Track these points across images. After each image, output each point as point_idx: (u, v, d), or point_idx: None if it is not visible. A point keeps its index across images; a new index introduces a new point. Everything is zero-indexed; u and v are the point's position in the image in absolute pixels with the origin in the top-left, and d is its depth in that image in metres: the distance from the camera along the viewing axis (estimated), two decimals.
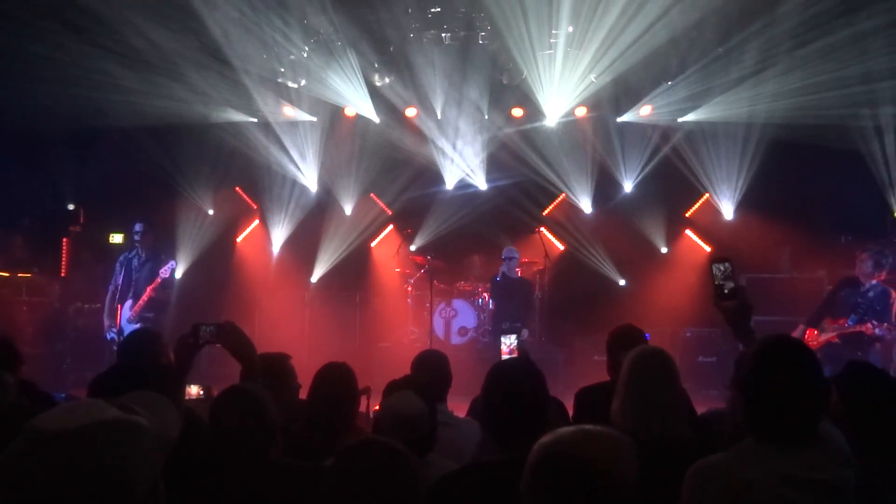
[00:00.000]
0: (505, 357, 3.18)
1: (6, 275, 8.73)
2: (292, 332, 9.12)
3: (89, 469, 1.19)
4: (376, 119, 10.01)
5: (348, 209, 10.55)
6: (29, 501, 1.16)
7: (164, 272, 7.09)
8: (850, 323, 6.16)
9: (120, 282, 7.16)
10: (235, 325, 2.82)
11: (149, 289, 7.08)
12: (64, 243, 9.24)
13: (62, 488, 1.17)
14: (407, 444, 1.84)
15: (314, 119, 10.00)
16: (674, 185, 9.69)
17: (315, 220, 10.43)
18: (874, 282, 6.25)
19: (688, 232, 10.17)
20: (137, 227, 7.29)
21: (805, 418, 1.83)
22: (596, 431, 1.45)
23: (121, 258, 7.36)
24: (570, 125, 9.88)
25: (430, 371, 3.39)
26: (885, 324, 6.03)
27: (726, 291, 2.40)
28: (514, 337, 3.27)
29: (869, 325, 6.03)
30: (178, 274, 8.29)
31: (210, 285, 9.85)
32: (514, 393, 2.21)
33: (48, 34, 7.37)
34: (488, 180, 10.44)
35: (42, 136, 8.52)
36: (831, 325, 6.23)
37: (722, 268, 2.41)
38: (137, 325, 7.05)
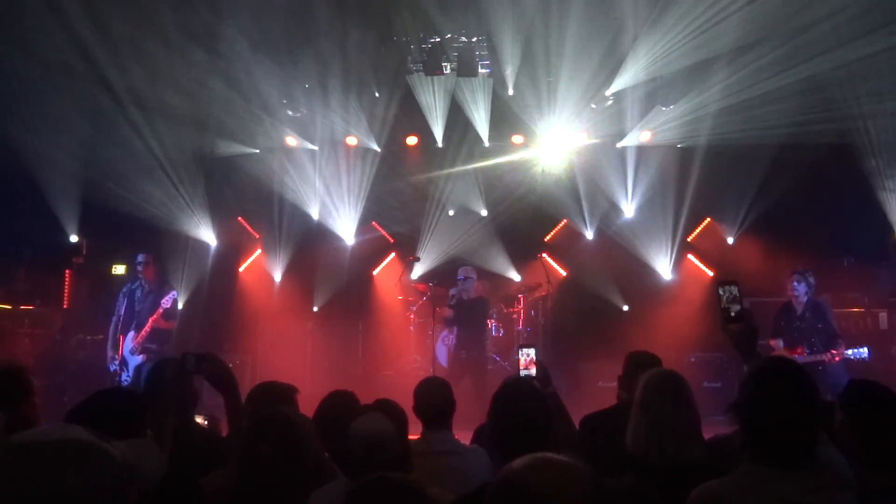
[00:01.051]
0: (522, 371, 3.17)
1: (8, 307, 8.73)
2: (295, 361, 9.09)
3: (53, 483, 1.23)
4: (377, 148, 10.08)
5: (350, 237, 10.58)
6: None
7: (165, 302, 7.07)
8: (808, 352, 6.50)
9: (122, 313, 7.15)
10: (214, 355, 2.80)
11: (151, 319, 7.06)
12: (66, 275, 9.25)
13: (26, 499, 1.22)
14: (380, 465, 1.82)
15: (315, 148, 10.07)
16: (675, 209, 9.71)
17: (317, 249, 10.45)
18: (805, 299, 6.68)
19: (690, 256, 10.18)
20: (140, 257, 7.29)
21: (802, 440, 1.83)
22: (549, 460, 1.43)
23: (124, 289, 7.35)
24: (569, 151, 9.94)
25: (433, 399, 3.36)
26: (840, 349, 6.40)
27: (733, 314, 2.40)
28: (532, 350, 3.25)
29: (827, 355, 6.40)
30: (181, 304, 8.27)
31: (212, 315, 9.83)
32: (517, 414, 2.20)
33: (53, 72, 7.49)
34: (489, 207, 10.48)
35: (45, 170, 8.57)
36: (790, 354, 6.41)
37: (728, 291, 2.41)
38: (140, 357, 7.03)
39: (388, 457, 2.34)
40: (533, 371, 3.21)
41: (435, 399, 3.33)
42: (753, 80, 8.14)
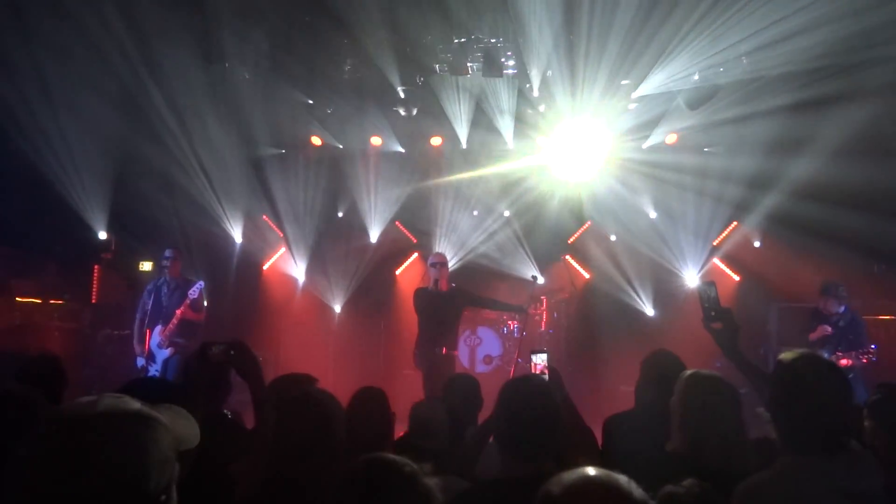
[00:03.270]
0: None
1: (38, 301, 8.92)
2: (317, 360, 9.16)
3: (105, 456, 1.19)
4: (401, 148, 10.12)
5: (374, 237, 10.64)
6: (48, 484, 1.17)
7: (192, 292, 7.13)
8: (826, 356, 6.31)
9: (149, 308, 7.24)
10: (245, 344, 2.85)
11: (178, 311, 7.13)
12: (95, 270, 9.43)
13: (78, 473, 1.17)
14: (423, 454, 1.84)
15: (340, 147, 10.15)
16: (702, 212, 9.62)
17: (340, 248, 10.53)
18: (841, 309, 6.70)
19: (716, 260, 10.08)
20: (167, 253, 7.38)
21: (839, 426, 1.86)
22: (593, 481, 1.37)
23: (149, 286, 7.43)
24: (594, 152, 9.89)
25: (462, 395, 3.41)
26: (853, 352, 6.45)
27: (713, 314, 2.45)
28: (544, 356, 3.27)
29: (843, 360, 6.44)
30: (206, 301, 8.35)
31: (237, 312, 9.94)
32: (524, 407, 2.21)
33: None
34: (512, 208, 10.47)
35: (77, 169, 8.74)
36: None
37: (708, 291, 2.51)
38: (168, 350, 7.12)
39: (432, 446, 2.39)
40: (545, 378, 3.23)
41: (464, 396, 3.37)
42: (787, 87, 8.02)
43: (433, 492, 1.67)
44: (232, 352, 2.79)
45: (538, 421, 2.19)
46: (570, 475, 1.40)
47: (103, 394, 1.34)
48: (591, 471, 1.39)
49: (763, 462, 2.32)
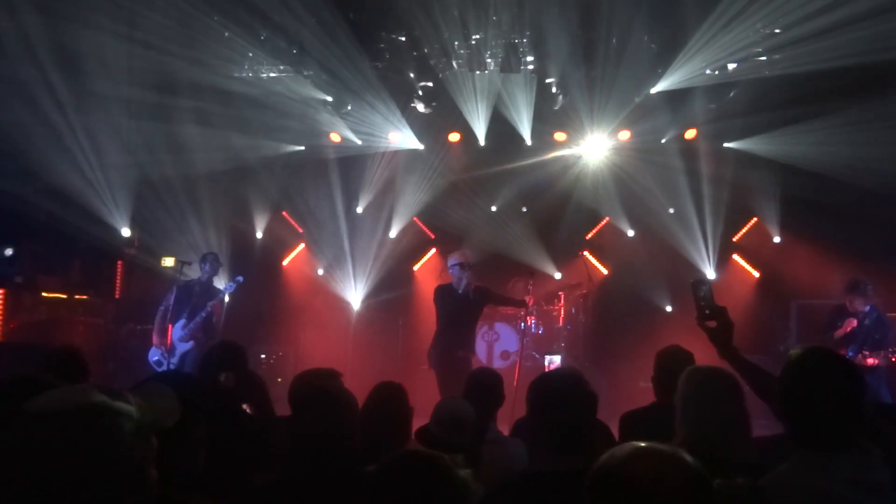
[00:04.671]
0: None
1: (64, 296, 9.06)
2: (336, 355, 9.20)
3: (69, 449, 1.27)
4: (420, 145, 10.14)
5: (393, 233, 10.67)
6: (16, 478, 1.25)
7: (227, 288, 7.32)
8: (851, 354, 6.38)
9: (171, 302, 7.33)
10: (255, 375, 2.90)
11: (210, 304, 7.24)
12: (118, 266, 9.56)
13: (45, 466, 1.25)
14: (447, 449, 1.86)
15: (359, 143, 10.19)
16: (721, 207, 9.55)
17: (359, 244, 10.58)
18: (867, 308, 6.59)
19: (735, 257, 10.00)
20: (211, 257, 7.61)
21: (851, 420, 1.85)
22: (651, 449, 1.41)
23: (180, 282, 7.50)
24: (611, 147, 9.85)
25: (484, 389, 3.43)
26: (882, 352, 6.35)
27: (707, 312, 2.50)
28: (558, 358, 3.29)
29: (870, 359, 6.35)
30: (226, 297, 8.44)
31: (257, 308, 10.03)
32: (560, 399, 2.21)
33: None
34: (530, 204, 10.46)
35: (101, 166, 8.88)
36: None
37: (702, 289, 2.52)
38: (189, 344, 7.21)
39: (458, 441, 2.41)
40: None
41: (486, 390, 3.40)
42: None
43: (469, 483, 1.69)
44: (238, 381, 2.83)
45: (573, 412, 2.20)
46: (620, 449, 1.42)
47: (70, 386, 1.43)
48: (639, 443, 1.43)
49: (770, 456, 2.32)
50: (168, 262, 9.06)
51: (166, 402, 1.61)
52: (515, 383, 6.55)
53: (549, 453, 2.16)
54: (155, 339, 7.41)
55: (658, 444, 1.42)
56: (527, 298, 7.41)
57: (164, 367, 7.13)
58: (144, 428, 1.40)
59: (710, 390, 2.50)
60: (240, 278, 7.34)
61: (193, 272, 7.74)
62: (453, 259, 7.02)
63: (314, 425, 2.29)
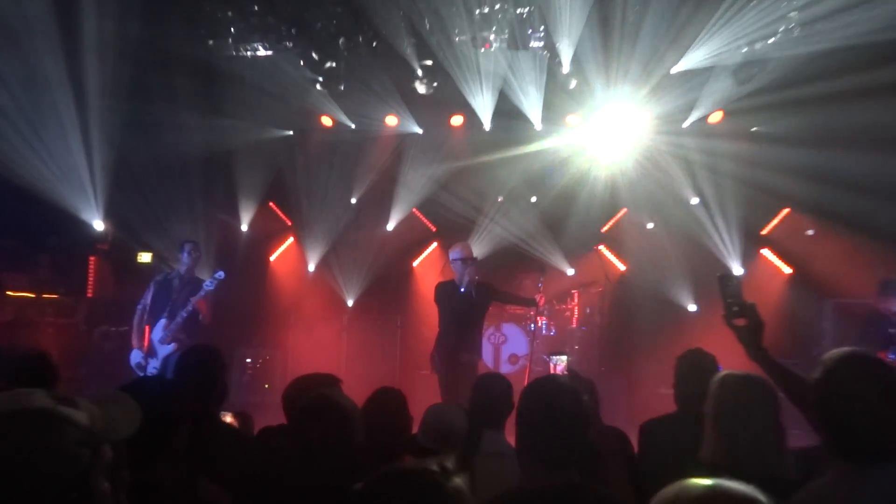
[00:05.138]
0: None
1: (31, 295, 9.07)
2: (329, 358, 9.23)
3: (2, 454, 1.31)
4: (419, 129, 10.12)
5: (390, 225, 10.67)
6: None
7: (208, 284, 7.16)
8: (893, 357, 6.37)
9: (148, 301, 7.31)
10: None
11: (193, 300, 7.15)
12: (91, 262, 9.56)
13: None
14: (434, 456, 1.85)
15: (353, 127, 10.18)
16: (749, 197, 9.53)
17: (353, 238, 10.58)
18: None
19: (765, 251, 9.98)
20: (188, 246, 7.46)
21: (891, 430, 1.84)
22: (725, 490, 1.37)
23: (158, 277, 7.47)
24: (630, 132, 9.82)
25: (493, 396, 3.42)
26: None
27: (736, 309, 2.51)
28: (564, 358, 3.28)
29: None
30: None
31: (242, 307, 10.04)
32: (549, 409, 2.20)
33: None
34: (541, 193, 10.44)
35: (71, 156, 8.87)
36: None
37: (729, 284, 2.52)
38: (171, 346, 7.21)
39: (447, 450, 2.42)
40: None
41: (494, 397, 3.39)
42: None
43: (463, 493, 1.68)
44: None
45: (565, 424, 2.19)
46: (685, 491, 1.38)
47: (14, 390, 1.45)
48: (706, 481, 1.40)
49: (805, 470, 2.31)
50: (145, 257, 9.09)
51: (125, 410, 1.63)
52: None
53: (541, 468, 2.16)
54: (133, 340, 7.41)
55: (726, 482, 1.39)
56: (537, 297, 7.42)
57: (148, 371, 7.13)
58: (95, 437, 1.43)
59: (745, 398, 2.48)
60: (221, 273, 7.30)
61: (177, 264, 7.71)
62: (455, 253, 7.02)
63: (316, 436, 2.30)
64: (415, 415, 4.03)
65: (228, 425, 3.97)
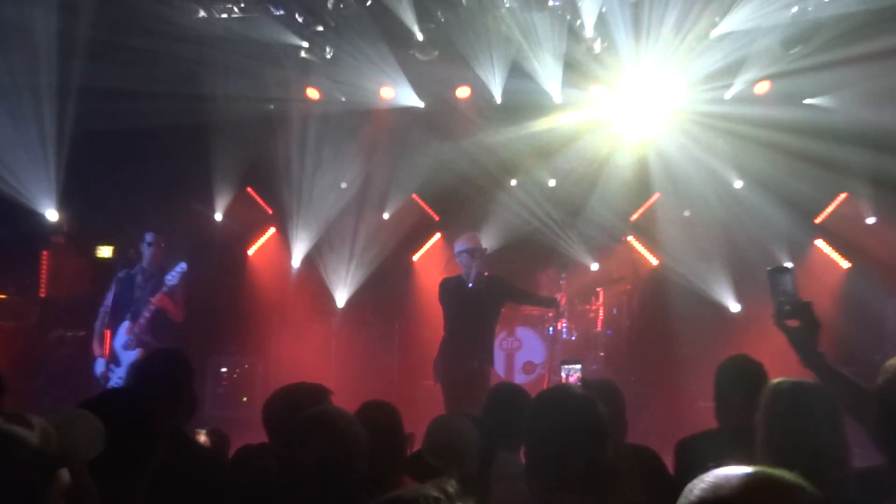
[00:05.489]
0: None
1: None
2: (316, 367, 9.24)
3: None
4: (420, 102, 10.11)
5: (386, 214, 10.67)
6: None
7: (171, 277, 7.22)
8: None
9: (109, 302, 7.33)
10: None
11: (154, 299, 7.20)
12: (44, 258, 9.57)
13: None
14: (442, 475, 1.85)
15: (343, 100, 10.17)
16: (801, 179, 9.50)
17: (344, 228, 10.59)
18: None
19: (819, 242, 9.97)
20: (147, 237, 7.52)
21: None
22: (769, 477, 1.43)
23: (120, 274, 7.50)
24: (663, 105, 9.79)
25: (508, 411, 3.43)
26: None
27: (788, 308, 2.44)
28: (579, 367, 3.29)
29: None
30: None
31: (215, 307, 10.06)
32: (560, 425, 2.21)
33: None
34: (560, 176, 10.43)
35: (19, 134, 8.87)
36: None
37: (782, 280, 2.51)
38: (136, 352, 7.23)
39: (458, 473, 2.42)
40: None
41: (511, 411, 3.40)
42: None
43: None
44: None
45: (577, 441, 2.20)
46: (726, 478, 1.42)
47: None
48: (748, 468, 1.44)
49: (867, 492, 2.32)
50: (105, 251, 9.09)
51: (86, 429, 1.63)
52: None
53: (550, 491, 2.17)
54: (95, 347, 7.44)
55: (770, 468, 1.44)
56: (557, 296, 7.44)
57: (112, 382, 7.15)
58: (48, 460, 1.44)
59: (803, 411, 2.48)
60: (183, 266, 7.33)
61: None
62: (461, 244, 7.03)
63: (313, 461, 2.30)
64: (416, 431, 4.05)
65: (201, 445, 3.99)
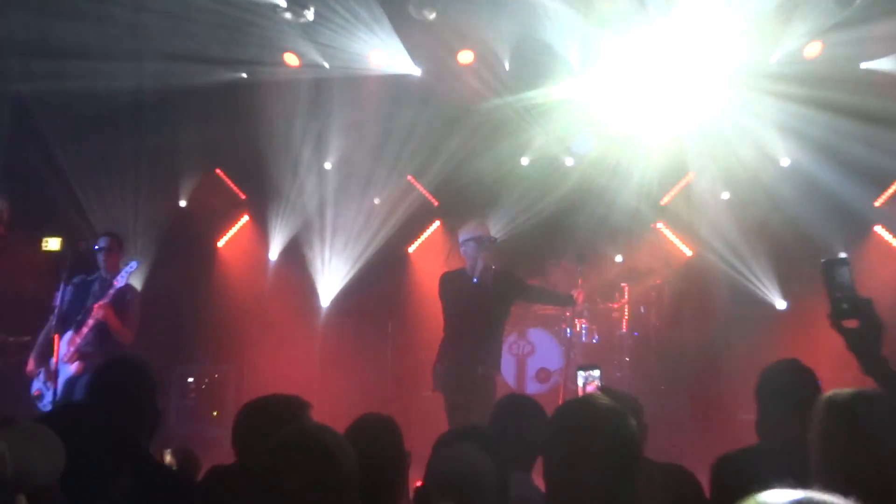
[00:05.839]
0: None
1: None
2: (298, 376, 9.25)
3: None
4: (416, 69, 10.10)
5: (378, 198, 10.66)
6: None
7: (118, 279, 7.20)
8: None
9: (61, 305, 7.30)
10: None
11: (96, 306, 7.18)
12: None
13: None
14: None
15: (326, 67, 10.15)
16: (859, 159, 9.49)
17: (329, 215, 10.58)
18: None
19: (879, 228, 9.96)
20: (101, 242, 7.51)
21: None
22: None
23: (76, 279, 7.47)
24: (698, 72, 9.77)
25: (519, 426, 3.43)
26: None
27: (846, 306, 2.50)
28: (597, 373, 3.30)
29: None
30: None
31: (180, 310, 10.06)
32: (587, 444, 2.20)
33: None
34: (578, 154, 10.42)
35: None
36: None
37: (838, 273, 2.50)
38: (74, 366, 7.19)
39: None
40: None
41: (522, 427, 3.40)
42: None
43: None
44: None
45: (607, 464, 2.19)
46: (775, 500, 1.44)
47: None
48: (796, 493, 1.46)
49: None
50: (53, 243, 9.09)
51: (43, 450, 1.62)
52: None
53: None
54: (29, 362, 7.42)
55: (822, 493, 1.45)
56: (574, 293, 7.38)
57: (46, 401, 7.13)
58: (1, 484, 1.42)
59: (864, 427, 2.44)
60: (132, 264, 7.33)
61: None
62: (466, 233, 7.02)
63: (293, 489, 2.29)
64: (414, 450, 4.05)
65: (166, 466, 4.00)
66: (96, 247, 7.53)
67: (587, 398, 2.61)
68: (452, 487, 2.60)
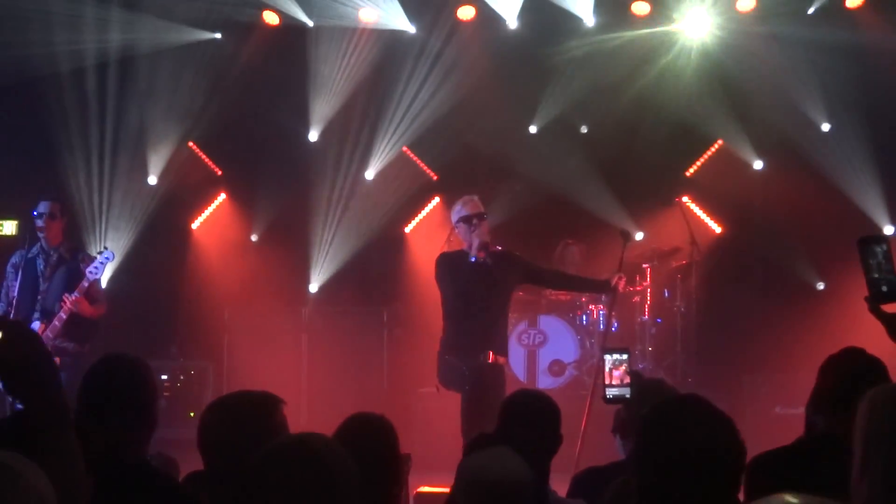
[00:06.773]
0: (611, 391, 3.20)
1: None
2: (283, 370, 9.27)
3: None
4: (411, 26, 10.06)
5: (370, 173, 10.64)
6: None
7: (93, 270, 7.18)
8: None
9: (15, 294, 7.31)
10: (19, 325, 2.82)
11: (69, 300, 7.14)
12: None
13: None
14: None
15: (310, 24, 10.11)
16: None
17: (316, 192, 10.56)
18: None
19: None
20: (41, 207, 7.42)
21: None
22: None
23: (13, 259, 7.48)
24: (729, 27, 9.73)
25: (531, 423, 3.41)
26: None
27: (885, 289, 2.52)
28: (625, 357, 3.27)
29: None
30: (104, 282, 8.41)
31: (151, 298, 10.05)
32: (702, 450, 2.19)
33: None
34: (593, 121, 10.39)
35: None
36: None
37: (878, 251, 2.48)
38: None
39: None
40: (627, 391, 3.24)
41: (534, 425, 3.38)
42: None
43: None
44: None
45: (719, 473, 2.17)
46: None
47: None
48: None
49: None
50: (8, 227, 9.08)
51: (74, 481, 1.61)
52: (584, 421, 6.48)
53: None
54: None
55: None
56: (613, 279, 7.23)
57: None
58: None
59: None
60: (109, 254, 7.30)
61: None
62: (460, 210, 7.00)
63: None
64: (414, 451, 4.04)
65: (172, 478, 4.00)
66: (35, 212, 7.40)
67: (690, 397, 2.56)
68: (488, 497, 2.58)
